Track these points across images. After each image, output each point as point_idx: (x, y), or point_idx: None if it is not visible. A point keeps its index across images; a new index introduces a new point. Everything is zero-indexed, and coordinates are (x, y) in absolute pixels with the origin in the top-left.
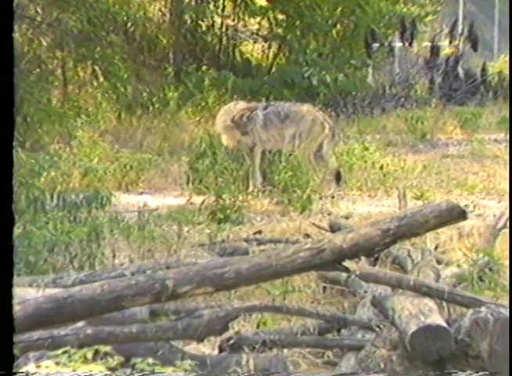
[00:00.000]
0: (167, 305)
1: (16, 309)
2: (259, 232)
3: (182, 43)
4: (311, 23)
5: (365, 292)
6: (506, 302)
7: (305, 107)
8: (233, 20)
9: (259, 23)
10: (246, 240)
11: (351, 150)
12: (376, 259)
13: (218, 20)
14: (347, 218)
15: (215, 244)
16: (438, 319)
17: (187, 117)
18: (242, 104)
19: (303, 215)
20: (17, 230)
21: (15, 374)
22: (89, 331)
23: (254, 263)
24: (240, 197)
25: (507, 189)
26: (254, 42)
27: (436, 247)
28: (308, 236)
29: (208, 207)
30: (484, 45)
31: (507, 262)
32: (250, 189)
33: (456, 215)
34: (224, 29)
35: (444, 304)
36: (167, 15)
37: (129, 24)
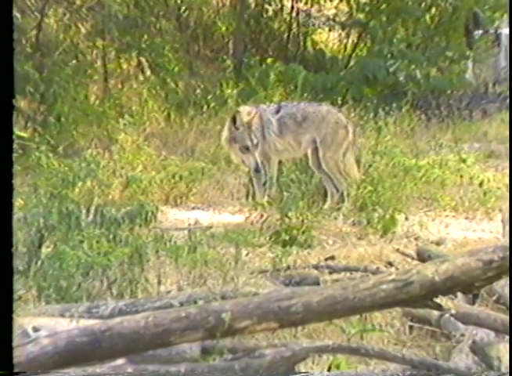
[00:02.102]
0: (222, 342)
1: (45, 342)
2: (332, 258)
3: (244, 31)
4: (400, 6)
5: (463, 336)
6: None
7: (324, 107)
8: (306, 4)
9: (336, 8)
10: (317, 268)
11: (445, 162)
12: (476, 297)
13: (288, 4)
14: (438, 244)
15: (279, 271)
16: None
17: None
18: (247, 109)
19: (385, 238)
20: (47, 250)
21: (17, 374)
22: (130, 370)
23: (326, 296)
24: (310, 216)
25: None
26: (330, 30)
27: None
28: (391, 264)
29: (271, 227)
30: None
31: None
32: (258, 200)
33: None
34: (294, 14)
35: None
36: None
37: (183, 8)
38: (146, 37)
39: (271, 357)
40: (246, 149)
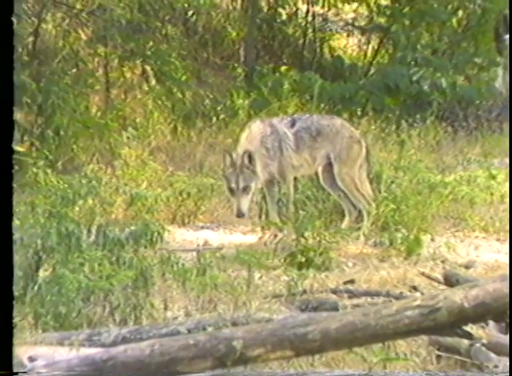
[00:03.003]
0: (233, 372)
1: (43, 372)
2: (351, 281)
3: (256, 37)
4: (424, 9)
5: (496, 367)
6: None
7: (338, 121)
8: (322, 7)
9: (355, 11)
10: (335, 292)
11: (473, 179)
12: (509, 325)
13: (303, 7)
14: (467, 267)
15: (295, 296)
16: None
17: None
18: (260, 124)
19: (409, 260)
20: (45, 273)
21: (16, 373)
22: None
23: (345, 322)
24: (327, 236)
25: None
26: (348, 35)
27: None
28: (415, 289)
29: (286, 248)
30: None
31: None
32: (271, 219)
33: None
34: (310, 18)
35: None
36: (238, 1)
37: (190, 13)
38: (151, 43)
39: None
40: (230, 191)
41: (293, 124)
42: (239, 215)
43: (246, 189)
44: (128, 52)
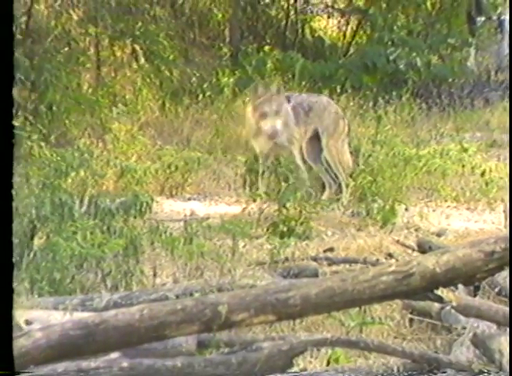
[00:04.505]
0: (218, 336)
1: (38, 335)
2: (331, 249)
3: (241, 18)
4: None
5: (464, 329)
6: None
7: (324, 98)
8: None
9: None
10: (315, 259)
11: (446, 152)
12: (477, 289)
13: None
14: (439, 235)
15: (277, 263)
16: None
17: (245, 108)
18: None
19: (384, 229)
20: (39, 241)
21: (18, 373)
22: (125, 364)
23: (325, 288)
24: (308, 207)
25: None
26: (329, 17)
27: None
28: (391, 256)
29: (269, 218)
30: None
31: None
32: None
33: None
34: (292, 1)
35: None
36: None
37: None
38: (140, 24)
39: (268, 351)
40: (263, 115)
41: (288, 100)
42: (273, 133)
43: (278, 112)
44: (118, 32)
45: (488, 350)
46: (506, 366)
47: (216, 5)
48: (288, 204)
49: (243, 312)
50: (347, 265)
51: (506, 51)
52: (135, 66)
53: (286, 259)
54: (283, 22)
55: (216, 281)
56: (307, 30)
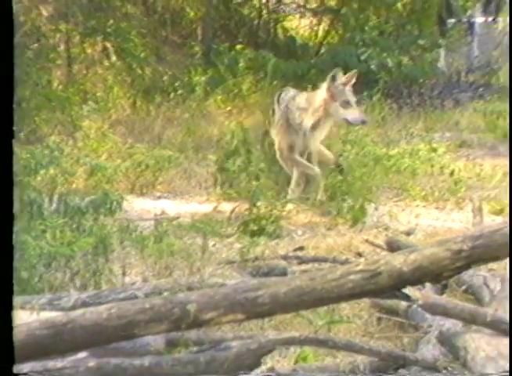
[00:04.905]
0: (187, 334)
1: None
2: (301, 248)
3: (213, 17)
4: None
5: (430, 327)
6: None
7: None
8: None
9: None
10: (285, 258)
11: (415, 152)
12: (445, 287)
13: None
14: (408, 234)
15: (247, 262)
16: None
17: (216, 107)
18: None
19: (354, 228)
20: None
21: (16, 375)
22: (92, 364)
23: (293, 286)
24: (278, 206)
25: None
26: (301, 17)
27: None
28: (360, 255)
29: (239, 217)
30: None
31: None
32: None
33: None
34: (264, 0)
35: None
36: None
37: None
38: (111, 21)
39: (237, 349)
40: (347, 103)
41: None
42: (364, 121)
43: (357, 102)
44: (89, 29)
45: (453, 347)
46: (471, 364)
47: (188, 4)
48: (259, 203)
49: (211, 310)
50: (317, 264)
51: (476, 53)
52: (106, 63)
53: (256, 258)
54: (256, 21)
55: (185, 280)
56: (279, 30)
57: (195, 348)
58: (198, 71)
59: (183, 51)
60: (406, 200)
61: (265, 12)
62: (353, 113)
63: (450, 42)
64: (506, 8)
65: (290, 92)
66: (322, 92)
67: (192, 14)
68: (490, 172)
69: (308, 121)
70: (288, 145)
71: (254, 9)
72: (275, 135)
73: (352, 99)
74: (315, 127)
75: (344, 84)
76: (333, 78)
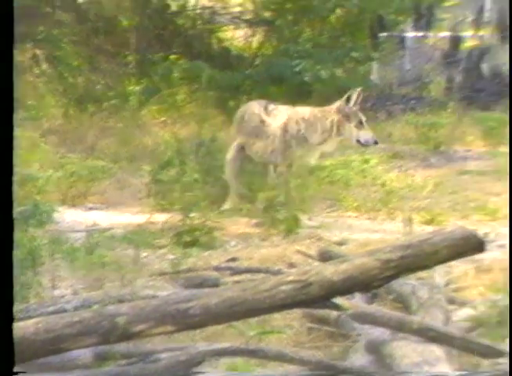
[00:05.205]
0: (116, 347)
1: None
2: (234, 259)
3: (147, 26)
4: (306, 5)
5: (359, 335)
6: None
7: None
8: (210, 0)
9: (242, 5)
10: (218, 269)
11: (348, 163)
12: (375, 296)
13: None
14: (341, 244)
15: (179, 273)
16: (445, 370)
17: (151, 117)
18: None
19: (288, 239)
20: None
21: (16, 373)
22: None
23: (225, 298)
24: (212, 217)
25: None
26: (236, 28)
27: (447, 284)
28: (293, 265)
29: (173, 228)
30: None
31: None
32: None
33: (472, 245)
34: (198, 10)
35: (455, 352)
36: None
37: (80, 0)
38: (42, 28)
39: (166, 361)
40: (361, 124)
41: None
42: (377, 141)
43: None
44: (18, 35)
45: (380, 355)
46: (398, 371)
47: (122, 12)
48: (192, 214)
49: (141, 323)
50: (250, 275)
51: (408, 66)
52: (37, 71)
53: (189, 269)
54: (190, 31)
55: (116, 292)
56: (214, 40)
57: (124, 361)
58: (132, 81)
59: (117, 60)
60: (339, 210)
61: (199, 22)
62: (366, 134)
63: (383, 55)
64: (437, 24)
65: (273, 105)
66: (333, 112)
67: (125, 23)
68: (421, 183)
69: (316, 138)
70: (284, 157)
71: (189, 19)
72: (267, 147)
73: (364, 119)
74: (320, 143)
75: (356, 105)
76: (348, 99)
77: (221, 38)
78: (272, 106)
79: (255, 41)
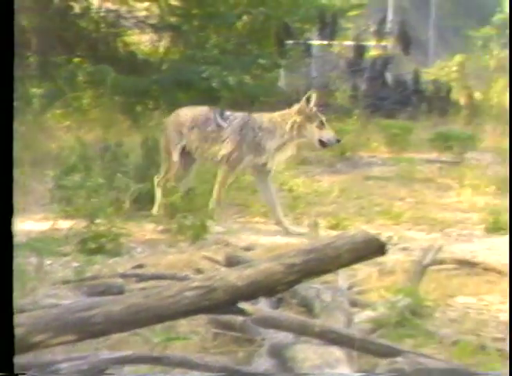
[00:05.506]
0: (16, 359)
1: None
2: (140, 266)
3: (49, 27)
4: (212, 12)
5: (264, 340)
6: (430, 350)
7: None
8: (114, 3)
9: (147, 9)
10: (124, 276)
11: None
12: (280, 300)
13: (96, 2)
14: (248, 250)
15: (84, 281)
16: (345, 371)
17: (55, 121)
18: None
19: (195, 245)
20: None
21: (16, 375)
22: None
23: (128, 304)
24: (118, 223)
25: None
26: (141, 33)
27: (351, 287)
28: (200, 271)
29: (78, 235)
30: (417, 47)
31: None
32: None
33: (374, 248)
34: (102, 13)
35: (355, 353)
36: None
37: None
38: None
39: (66, 371)
40: (322, 124)
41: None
42: (339, 140)
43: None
44: None
45: (283, 359)
46: (297, 372)
47: (20, 10)
48: (98, 221)
49: (41, 333)
50: (156, 282)
51: (315, 74)
52: None
53: (94, 277)
54: (94, 34)
55: (17, 302)
56: (119, 44)
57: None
58: (34, 83)
59: (16, 61)
60: (247, 216)
61: (103, 25)
62: (328, 134)
63: (290, 63)
64: (341, 33)
65: (229, 112)
66: (294, 114)
67: (25, 23)
68: (328, 188)
69: (274, 143)
70: (233, 162)
71: (92, 21)
72: (221, 151)
73: (324, 119)
74: (278, 148)
75: (315, 106)
76: (308, 100)
77: (126, 42)
78: (227, 112)
79: (162, 46)
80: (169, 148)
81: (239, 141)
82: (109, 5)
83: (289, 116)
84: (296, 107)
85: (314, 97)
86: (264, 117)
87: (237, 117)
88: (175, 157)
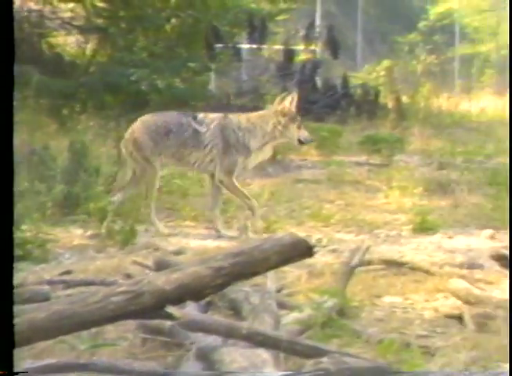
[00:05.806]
0: None
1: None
2: (68, 272)
3: None
4: (140, 14)
5: (192, 344)
6: (356, 350)
7: None
8: (37, 3)
9: (73, 11)
10: (51, 283)
11: (184, 173)
12: (210, 304)
13: (17, 1)
14: (178, 254)
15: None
16: (272, 373)
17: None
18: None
19: (124, 250)
20: None
21: (16, 373)
22: None
23: (52, 311)
24: (45, 228)
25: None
26: (67, 34)
27: (280, 289)
28: (129, 276)
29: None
30: (346, 52)
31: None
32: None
33: (301, 250)
34: (25, 13)
35: (281, 355)
36: None
37: None
38: None
39: None
40: (300, 124)
41: None
42: (312, 139)
43: None
44: None
45: (211, 362)
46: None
47: None
48: (24, 227)
49: None
50: (84, 288)
51: (245, 77)
52: None
53: (20, 285)
54: (17, 34)
55: None
56: (44, 45)
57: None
58: None
59: None
60: (177, 220)
61: (26, 25)
62: (304, 133)
63: (220, 66)
64: (271, 37)
65: (202, 114)
66: (276, 115)
67: None
68: (258, 192)
69: (256, 143)
70: (229, 167)
71: (15, 21)
72: (205, 156)
73: (300, 119)
74: (259, 149)
75: (294, 106)
76: (290, 101)
77: (52, 44)
78: (200, 116)
79: (89, 48)
80: (146, 156)
81: (224, 145)
82: (31, 5)
83: (268, 117)
84: (273, 108)
85: (295, 98)
86: (240, 118)
87: (213, 119)
88: (157, 164)
